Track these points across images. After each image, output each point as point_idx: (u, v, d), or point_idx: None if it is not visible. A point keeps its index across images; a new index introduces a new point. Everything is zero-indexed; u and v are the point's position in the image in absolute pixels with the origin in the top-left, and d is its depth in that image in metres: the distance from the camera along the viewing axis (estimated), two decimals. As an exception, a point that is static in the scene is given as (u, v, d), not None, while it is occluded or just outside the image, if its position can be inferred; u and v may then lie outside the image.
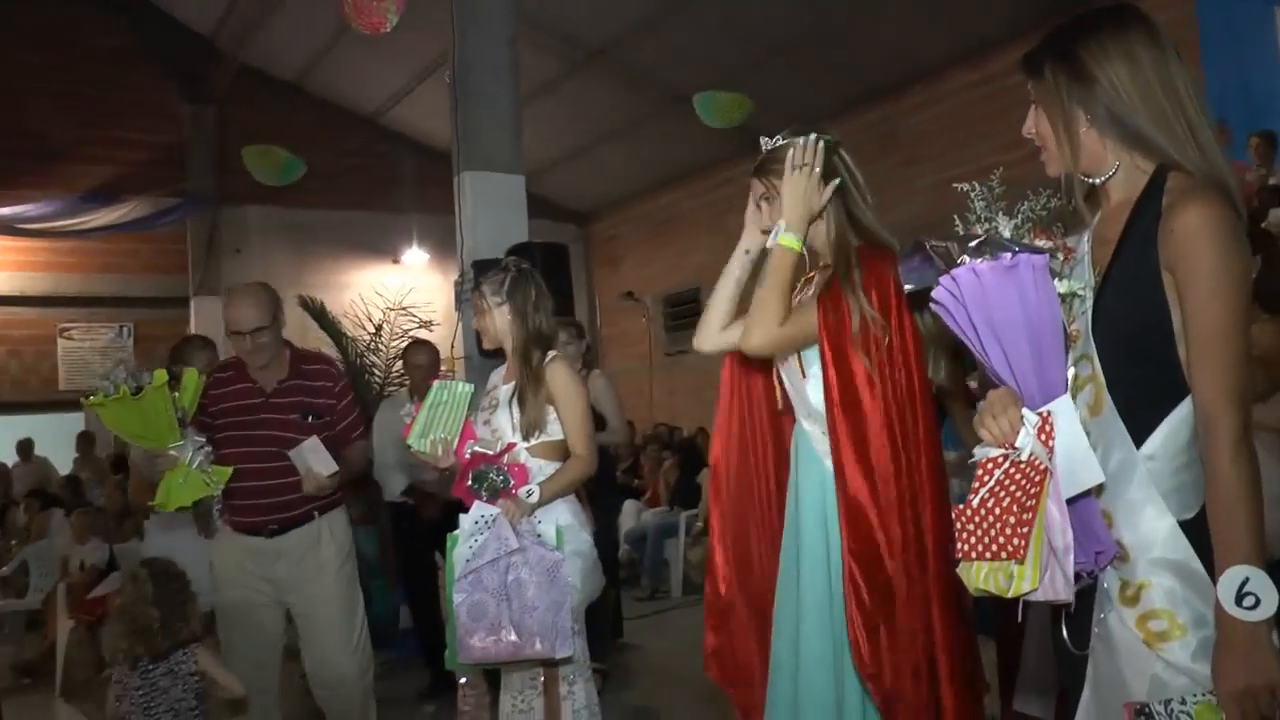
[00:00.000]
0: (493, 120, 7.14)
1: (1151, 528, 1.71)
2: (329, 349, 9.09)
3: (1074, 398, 1.71)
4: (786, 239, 2.64)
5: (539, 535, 3.38)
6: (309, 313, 9.39)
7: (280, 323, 3.99)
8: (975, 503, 1.68)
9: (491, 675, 4.52)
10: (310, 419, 3.95)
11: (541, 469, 3.50)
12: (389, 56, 12.71)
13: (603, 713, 3.64)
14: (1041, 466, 1.63)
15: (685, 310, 14.92)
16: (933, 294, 1.69)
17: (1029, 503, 1.61)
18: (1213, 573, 1.65)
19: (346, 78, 14.22)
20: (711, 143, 12.89)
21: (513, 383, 3.59)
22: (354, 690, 4.07)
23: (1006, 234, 1.66)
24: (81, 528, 7.21)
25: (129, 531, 7.32)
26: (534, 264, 4.07)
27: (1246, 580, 1.59)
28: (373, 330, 9.62)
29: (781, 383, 2.83)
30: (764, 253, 2.75)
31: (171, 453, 3.63)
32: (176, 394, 3.61)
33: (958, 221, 1.72)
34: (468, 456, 3.42)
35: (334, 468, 3.80)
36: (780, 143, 2.75)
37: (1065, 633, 1.78)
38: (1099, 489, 1.67)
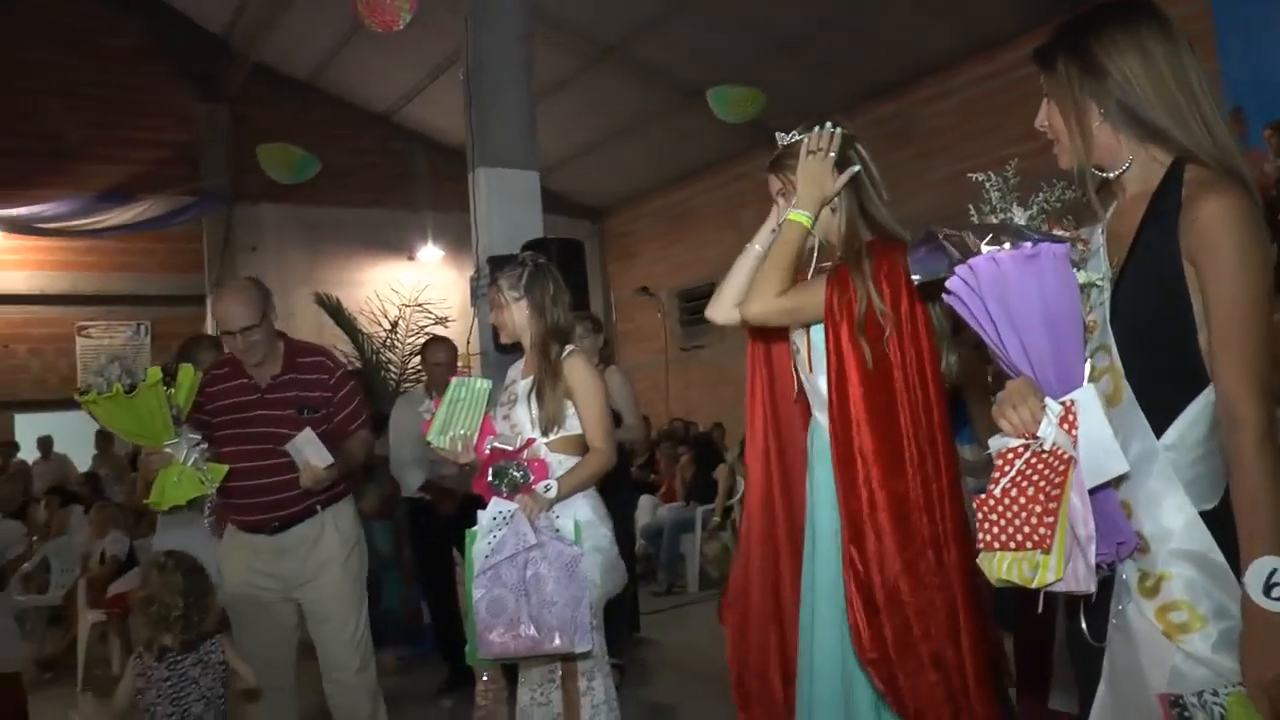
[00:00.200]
0: (507, 116, 7.14)
1: (1172, 518, 1.70)
2: (345, 345, 9.16)
3: None
4: (795, 214, 2.66)
5: (557, 530, 3.39)
6: (325, 309, 9.45)
7: (271, 319, 3.95)
8: (997, 492, 1.67)
9: (509, 670, 4.55)
10: (305, 413, 3.90)
11: (561, 464, 3.51)
12: (402, 54, 12.74)
13: (620, 708, 3.64)
14: (1066, 456, 1.62)
15: (700, 305, 14.69)
16: (947, 284, 1.68)
17: (1054, 492, 1.61)
18: (1234, 563, 1.64)
19: (360, 75, 14.25)
20: (725, 137, 12.87)
21: (531, 377, 3.59)
22: (356, 682, 4.05)
23: (1021, 224, 1.66)
24: (101, 520, 7.25)
25: (146, 528, 7.36)
26: (549, 260, 4.08)
27: (1275, 571, 1.58)
28: (388, 327, 9.67)
29: (796, 373, 2.84)
30: None
31: (166, 450, 3.60)
32: (172, 391, 3.59)
33: (973, 211, 1.72)
34: (487, 452, 3.43)
35: (329, 459, 3.75)
36: (796, 137, 2.76)
37: (1085, 624, 1.77)
38: (1118, 480, 1.67)
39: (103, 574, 6.80)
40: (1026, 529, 1.62)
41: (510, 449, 3.43)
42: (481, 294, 6.93)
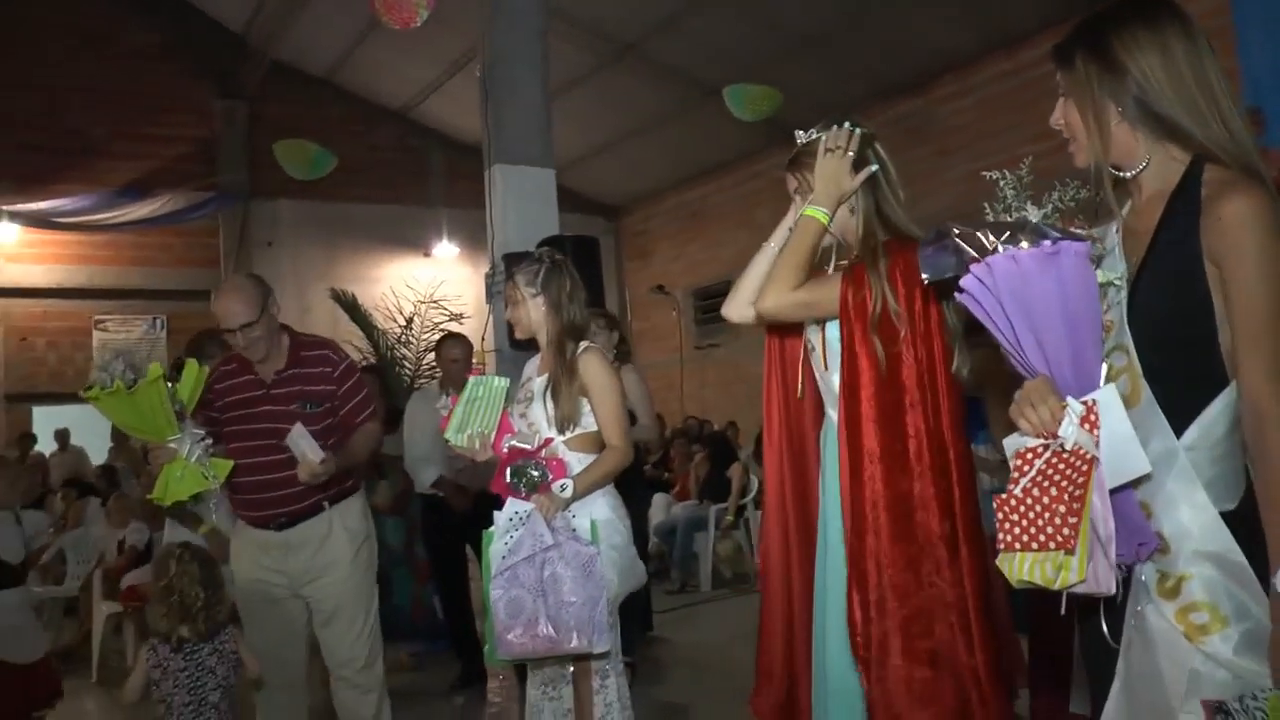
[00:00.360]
0: (523, 114, 7.14)
1: (1192, 519, 1.68)
2: (360, 341, 9.19)
3: None
4: (812, 210, 2.66)
5: (574, 530, 3.38)
6: (341, 305, 9.48)
7: (273, 314, 3.92)
8: (1018, 492, 1.66)
9: (520, 668, 4.55)
10: (309, 407, 3.88)
11: (580, 461, 3.50)
12: (419, 51, 12.77)
13: (632, 706, 3.63)
14: (1088, 456, 1.61)
15: (715, 304, 14.75)
16: (961, 282, 1.67)
17: (1077, 493, 1.59)
18: (1255, 564, 1.63)
19: (377, 72, 14.29)
20: (741, 136, 12.86)
21: (547, 375, 3.59)
22: (362, 680, 4.02)
23: (1039, 222, 1.64)
24: (121, 511, 7.30)
25: (163, 522, 7.40)
26: (565, 257, 4.08)
27: None
28: (404, 323, 9.70)
29: (810, 371, 2.84)
30: None
31: (170, 445, 3.58)
32: (175, 387, 3.58)
33: (988, 209, 1.72)
34: (505, 451, 3.43)
35: (321, 454, 3.71)
36: (814, 136, 2.75)
37: (1105, 626, 1.75)
38: (1137, 480, 1.66)
39: (119, 565, 6.84)
40: (1050, 529, 1.61)
41: (528, 448, 3.42)
42: (497, 291, 6.93)
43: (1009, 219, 1.66)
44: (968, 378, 2.61)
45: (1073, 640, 1.98)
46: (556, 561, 3.30)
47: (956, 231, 1.68)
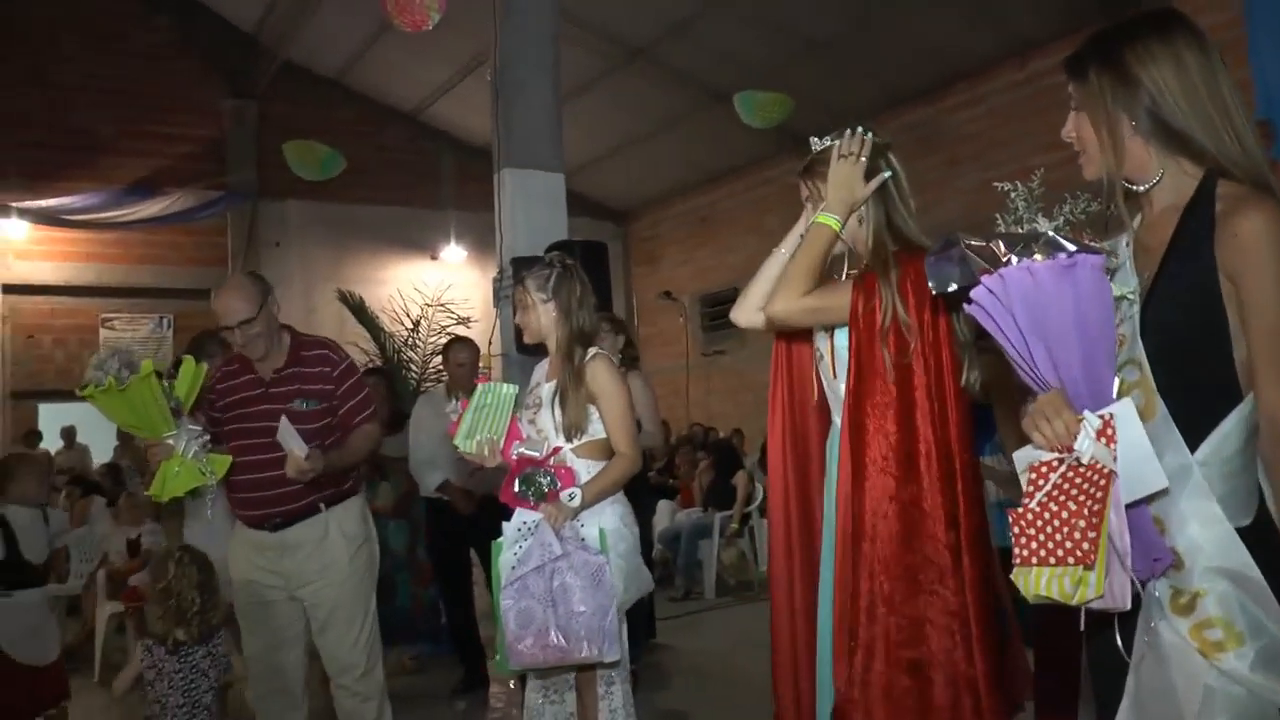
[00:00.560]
0: (533, 117, 7.14)
1: (1206, 535, 1.68)
2: (366, 343, 9.20)
3: None
4: (824, 216, 2.67)
5: (582, 539, 3.39)
6: (348, 307, 9.49)
7: (272, 312, 3.92)
8: (1034, 506, 1.65)
9: (523, 674, 4.56)
10: (306, 405, 3.86)
11: (588, 469, 3.50)
12: (430, 53, 12.81)
13: (635, 713, 3.62)
14: (1105, 470, 1.60)
15: (723, 310, 14.79)
16: (972, 293, 1.67)
17: (1096, 507, 1.59)
18: (1271, 580, 1.63)
19: (387, 74, 14.34)
20: (751, 142, 12.87)
21: (555, 381, 3.59)
22: (361, 687, 3.99)
23: (1053, 234, 1.64)
24: (132, 511, 7.31)
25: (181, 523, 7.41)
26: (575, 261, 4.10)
27: None
28: (410, 326, 9.71)
29: (818, 378, 2.85)
30: None
31: (167, 442, 3.58)
32: (171, 384, 3.58)
33: (999, 220, 1.72)
34: (514, 458, 3.43)
35: (305, 448, 3.68)
36: (829, 144, 2.76)
37: (1120, 641, 1.75)
38: (1152, 495, 1.65)
39: (132, 566, 6.84)
40: (1069, 544, 1.60)
41: (537, 456, 3.42)
42: (504, 295, 6.94)
43: (1020, 230, 1.67)
44: (977, 389, 2.61)
45: (1079, 655, 1.97)
46: (566, 571, 3.31)
47: (965, 242, 1.68)
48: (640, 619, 5.97)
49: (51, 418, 12.93)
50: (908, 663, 2.49)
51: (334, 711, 4.13)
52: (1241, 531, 1.68)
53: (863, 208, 2.71)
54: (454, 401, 3.62)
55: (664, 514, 9.92)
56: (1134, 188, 1.83)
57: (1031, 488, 1.67)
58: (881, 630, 2.50)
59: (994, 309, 1.65)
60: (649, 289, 16.40)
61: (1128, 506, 1.61)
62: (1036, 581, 1.65)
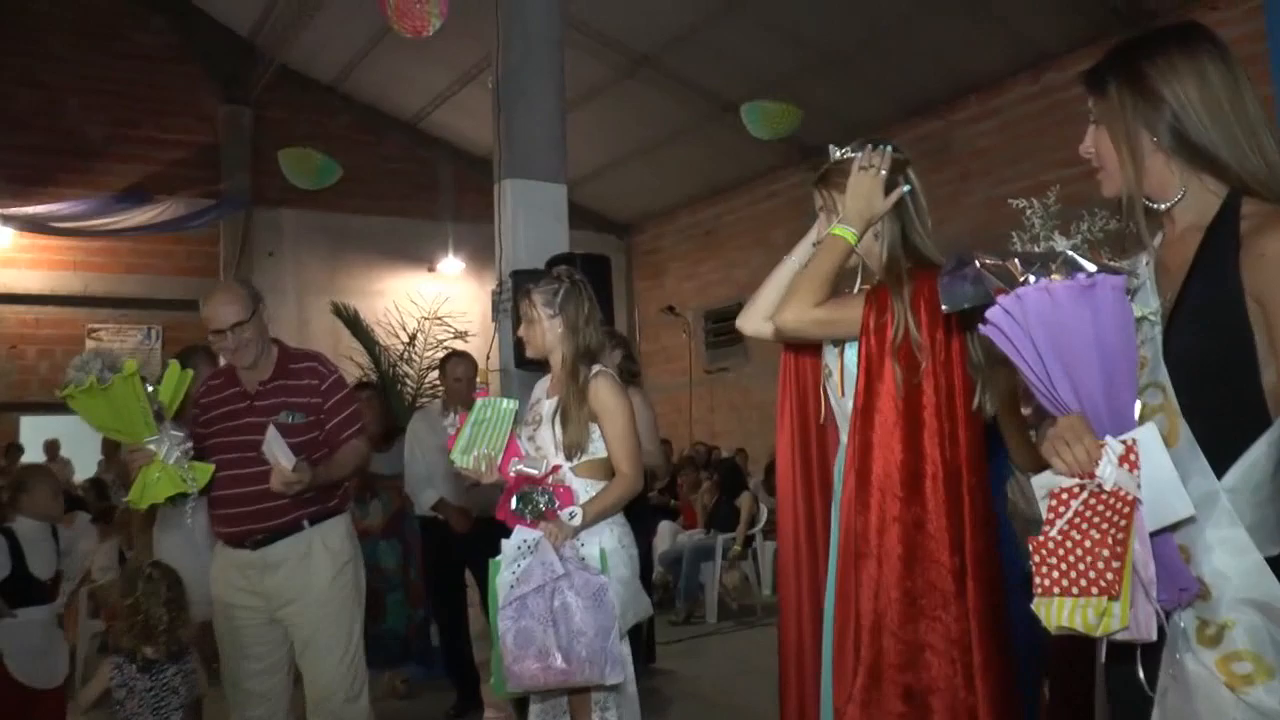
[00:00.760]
0: (536, 127, 7.14)
1: (1234, 564, 1.66)
2: (361, 357, 9.20)
3: None
4: (840, 229, 2.67)
5: (582, 559, 3.39)
6: (342, 320, 9.48)
7: (262, 320, 3.90)
8: (1054, 534, 1.63)
9: (520, 699, 4.53)
10: (293, 418, 3.82)
11: (587, 489, 3.50)
12: (430, 60, 12.84)
13: (633, 740, 3.62)
14: (1129, 497, 1.59)
15: (727, 326, 14.88)
16: (987, 313, 1.65)
17: (1119, 536, 1.57)
18: None
19: (386, 81, 14.37)
20: (758, 154, 12.91)
21: (556, 398, 3.60)
22: (345, 713, 3.90)
23: (1071, 253, 1.63)
24: (126, 525, 7.30)
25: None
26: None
27: None
28: (407, 339, 9.71)
29: (826, 396, 2.84)
30: None
31: (148, 447, 3.51)
32: (155, 388, 3.53)
33: (1015, 239, 1.71)
34: (512, 475, 3.43)
35: (293, 459, 3.63)
36: (848, 154, 2.76)
37: (1142, 674, 1.72)
38: (1177, 523, 1.64)
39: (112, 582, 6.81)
40: (1092, 574, 1.58)
41: (535, 474, 3.42)
42: (503, 309, 6.94)
43: (1037, 249, 1.66)
44: (989, 406, 2.61)
45: (1093, 686, 1.95)
46: (567, 591, 3.30)
47: (980, 260, 1.67)
48: (639, 643, 5.95)
49: (34, 431, 12.90)
50: (904, 688, 2.49)
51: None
52: (1271, 561, 1.65)
53: (879, 222, 2.71)
54: (452, 416, 3.62)
55: (665, 535, 9.90)
56: (1155, 206, 1.81)
57: (1051, 515, 1.66)
58: (878, 653, 2.50)
59: (1010, 330, 1.64)
60: (652, 304, 16.42)
61: (1152, 535, 1.59)
62: (1058, 612, 1.63)
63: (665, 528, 10.05)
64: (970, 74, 11.26)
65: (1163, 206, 1.81)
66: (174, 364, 3.72)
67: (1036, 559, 1.66)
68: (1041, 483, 1.70)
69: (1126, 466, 1.61)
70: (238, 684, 3.91)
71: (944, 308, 1.74)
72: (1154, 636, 1.61)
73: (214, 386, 3.99)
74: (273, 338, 4.02)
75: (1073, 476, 1.65)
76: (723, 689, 6.52)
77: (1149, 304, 1.77)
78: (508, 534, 3.56)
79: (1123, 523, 1.58)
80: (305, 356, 4.06)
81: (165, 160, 13.91)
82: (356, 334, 9.37)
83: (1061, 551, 1.63)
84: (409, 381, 9.32)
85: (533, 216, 7.05)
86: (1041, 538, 1.66)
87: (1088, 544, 1.60)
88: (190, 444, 3.62)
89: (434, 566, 6.05)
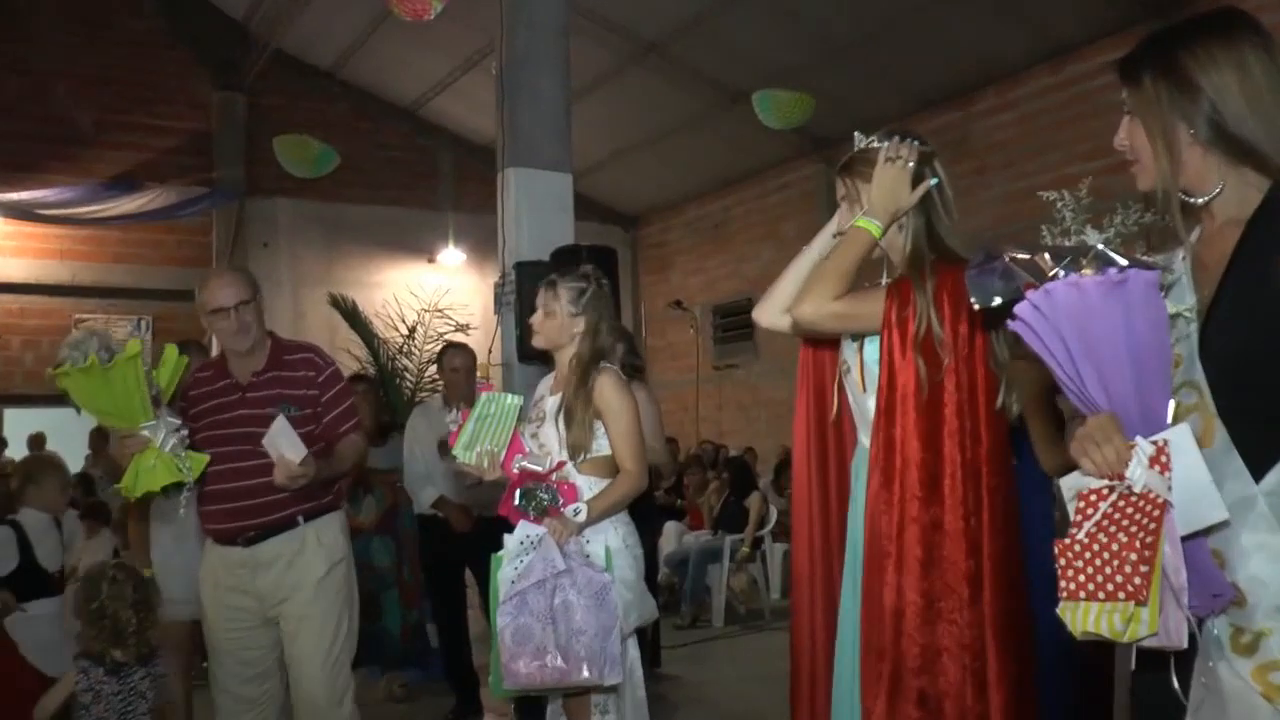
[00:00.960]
0: (541, 114, 7.14)
1: (1273, 571, 1.64)
2: (360, 350, 9.22)
3: None
4: (865, 221, 2.67)
5: (587, 556, 3.41)
6: (340, 312, 9.50)
7: (261, 304, 3.89)
8: (1081, 537, 1.63)
9: (520, 702, 4.54)
10: (290, 411, 3.78)
11: (592, 486, 3.52)
12: (430, 45, 12.83)
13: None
14: (1159, 500, 1.58)
15: (736, 322, 14.91)
16: (1015, 309, 1.65)
17: (1149, 540, 1.57)
18: None
19: (385, 67, 14.35)
20: (769, 145, 12.89)
21: (561, 395, 3.63)
22: (329, 717, 3.85)
23: (1103, 248, 1.62)
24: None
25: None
26: (579, 267, 4.14)
27: None
28: (406, 332, 9.73)
29: (842, 391, 2.85)
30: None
31: (143, 433, 3.44)
32: (154, 371, 3.49)
33: (1045, 233, 1.70)
34: (515, 472, 3.45)
35: (303, 452, 3.62)
36: (874, 143, 2.76)
37: (1176, 682, 1.72)
38: (1210, 527, 1.63)
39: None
40: (1119, 578, 1.58)
41: (540, 470, 3.45)
42: (506, 302, 6.95)
43: (1067, 243, 1.65)
44: (1014, 406, 2.61)
45: (1111, 694, 1.96)
46: (568, 588, 3.31)
47: (1009, 255, 1.66)
48: (643, 647, 5.95)
49: (18, 424, 12.88)
50: (919, 692, 2.51)
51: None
52: None
53: (903, 215, 2.71)
54: (454, 411, 3.65)
55: (671, 536, 9.91)
56: (1192, 200, 1.80)
57: (1079, 517, 1.65)
58: (902, 655, 2.52)
59: (1039, 326, 1.63)
60: (658, 298, 16.41)
61: (1184, 539, 1.59)
62: (1084, 617, 1.62)
63: (671, 528, 10.06)
64: (989, 64, 11.22)
65: (1200, 201, 1.79)
66: (171, 347, 3.65)
67: (1062, 562, 1.65)
68: (1069, 484, 1.70)
69: (1157, 468, 1.60)
70: (227, 689, 3.88)
71: (973, 303, 1.74)
72: (1184, 644, 1.60)
73: (203, 378, 3.94)
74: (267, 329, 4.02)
75: (1101, 478, 1.65)
76: (730, 695, 6.53)
77: (1184, 300, 1.76)
78: (510, 532, 3.58)
79: (1152, 526, 1.58)
80: (300, 348, 4.06)
81: (156, 148, 13.90)
82: (355, 326, 9.39)
83: (1088, 555, 1.62)
84: (408, 376, 9.34)
85: (537, 207, 7.06)
86: (1068, 540, 1.65)
87: (1115, 547, 1.60)
88: (186, 431, 3.56)
89: (433, 566, 6.06)
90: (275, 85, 14.30)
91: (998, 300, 1.69)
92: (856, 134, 2.83)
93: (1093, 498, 1.65)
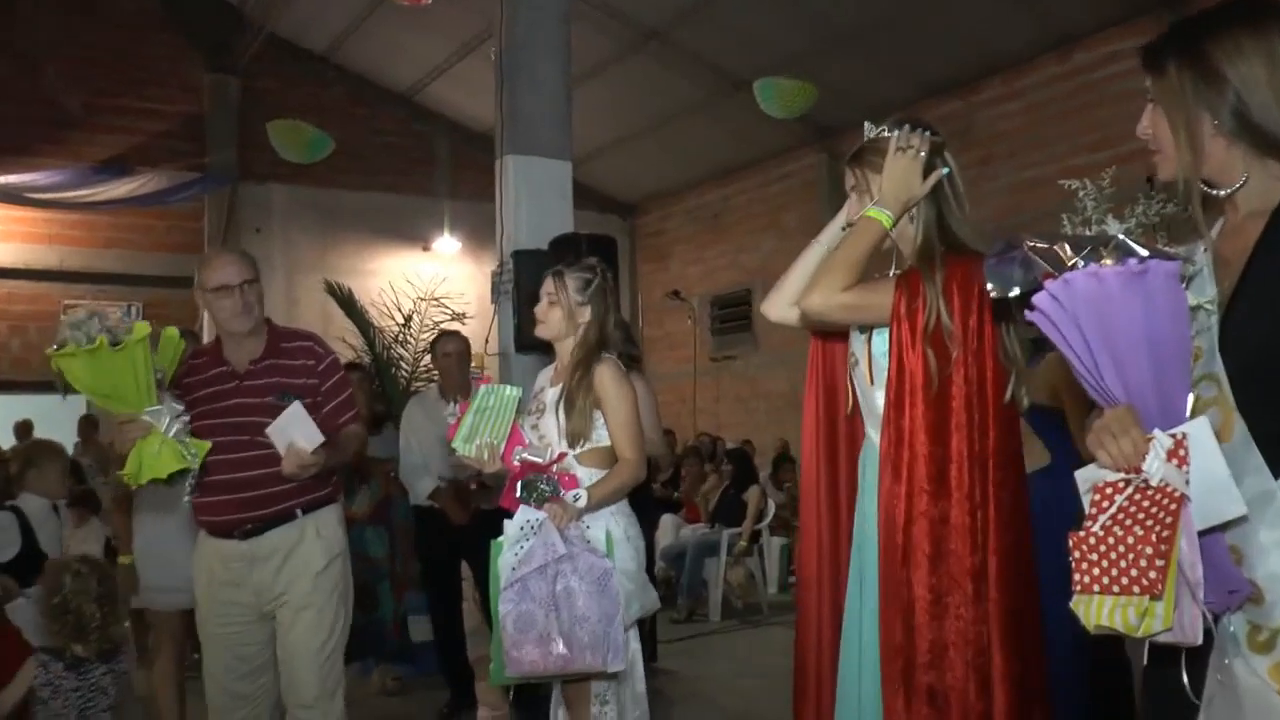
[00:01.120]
0: (541, 100, 7.12)
1: None
2: (355, 338, 9.21)
3: None
4: (875, 211, 2.67)
5: (588, 541, 3.44)
6: (336, 299, 9.48)
7: (261, 288, 3.86)
8: (1097, 530, 1.63)
9: (516, 693, 4.55)
10: (287, 400, 3.71)
11: (592, 477, 3.57)
12: (428, 30, 12.79)
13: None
14: (1176, 494, 1.58)
15: (735, 313, 14.92)
16: (1034, 299, 1.65)
17: (1165, 534, 1.57)
18: None
19: (382, 51, 14.32)
20: (770, 134, 12.87)
21: (561, 386, 3.66)
22: (319, 711, 3.80)
23: (1124, 237, 1.62)
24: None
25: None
26: (579, 256, 4.15)
27: None
28: (401, 321, 9.72)
29: (852, 386, 2.85)
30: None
31: (145, 418, 3.37)
32: (154, 354, 3.43)
33: (1065, 222, 1.70)
34: (516, 464, 3.48)
35: (319, 439, 3.57)
36: (884, 133, 2.76)
37: (1186, 680, 1.72)
38: (1228, 523, 1.63)
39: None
40: (1134, 572, 1.58)
41: (540, 462, 3.48)
42: (504, 291, 6.94)
43: (1087, 233, 1.65)
44: (1024, 399, 2.62)
45: (1123, 690, 1.96)
46: (570, 575, 3.35)
47: (1028, 244, 1.66)
48: (640, 640, 5.96)
49: (5, 411, 12.83)
50: (928, 688, 2.52)
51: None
52: None
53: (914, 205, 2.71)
54: (453, 405, 3.66)
55: (668, 529, 9.93)
56: (1215, 191, 1.79)
57: (1094, 509, 1.65)
58: (915, 651, 2.53)
59: (1057, 316, 1.64)
60: (655, 288, 16.41)
61: (1201, 534, 1.59)
62: (1098, 611, 1.63)
63: (667, 521, 10.08)
64: (994, 53, 11.20)
65: (1223, 192, 1.79)
66: (171, 330, 3.60)
67: (1077, 555, 1.66)
68: (1085, 476, 1.70)
69: (1175, 462, 1.60)
70: (222, 684, 3.84)
71: (990, 291, 1.74)
72: (1199, 640, 1.61)
73: (196, 365, 3.87)
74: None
75: (1118, 470, 1.65)
76: (728, 691, 6.54)
77: (1205, 292, 1.76)
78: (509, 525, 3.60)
79: (1169, 520, 1.58)
80: (297, 336, 4.02)
81: (147, 131, 13.85)
82: (351, 315, 9.37)
83: (1103, 548, 1.63)
84: (404, 365, 9.33)
85: (536, 194, 7.05)
86: (1082, 533, 1.66)
87: (1130, 541, 1.60)
88: (188, 416, 3.50)
89: (429, 559, 6.06)
90: (269, 69, 14.25)
91: (1016, 289, 1.69)
92: (867, 124, 2.82)
93: (1109, 490, 1.65)
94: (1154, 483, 1.61)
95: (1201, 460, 1.60)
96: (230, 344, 3.88)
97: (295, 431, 3.56)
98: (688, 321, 15.31)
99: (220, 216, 14.18)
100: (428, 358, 8.37)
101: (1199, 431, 1.62)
